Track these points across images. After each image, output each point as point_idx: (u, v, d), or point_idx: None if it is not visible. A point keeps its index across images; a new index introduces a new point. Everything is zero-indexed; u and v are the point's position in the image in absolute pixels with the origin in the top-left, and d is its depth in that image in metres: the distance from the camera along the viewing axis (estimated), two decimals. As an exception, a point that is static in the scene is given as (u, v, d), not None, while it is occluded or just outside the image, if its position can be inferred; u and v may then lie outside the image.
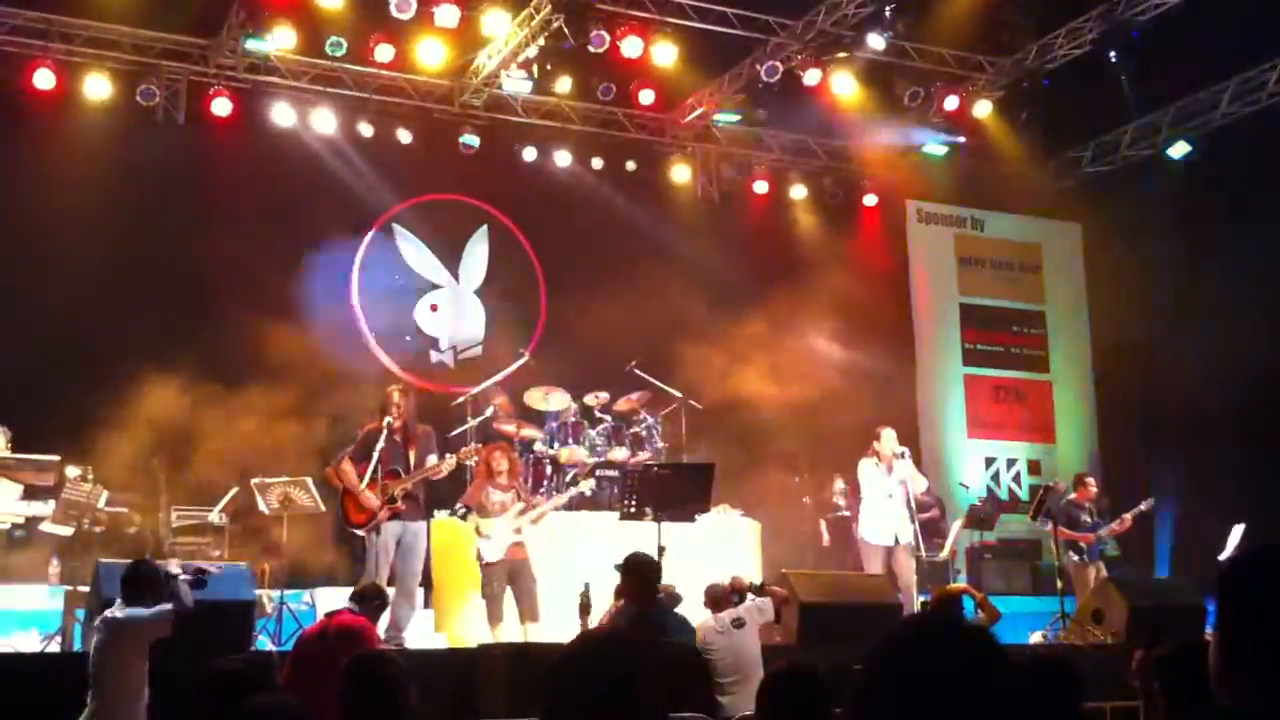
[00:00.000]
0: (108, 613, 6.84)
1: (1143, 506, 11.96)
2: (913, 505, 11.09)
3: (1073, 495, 12.40)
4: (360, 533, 9.46)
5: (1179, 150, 14.64)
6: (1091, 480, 12.48)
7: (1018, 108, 14.46)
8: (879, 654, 1.97)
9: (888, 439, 11.16)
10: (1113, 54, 12.92)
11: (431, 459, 9.60)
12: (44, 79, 12.08)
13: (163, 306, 11.90)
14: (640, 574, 7.54)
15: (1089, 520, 12.15)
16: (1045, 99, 14.25)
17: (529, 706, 2.79)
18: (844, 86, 13.59)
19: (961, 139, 15.11)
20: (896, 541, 10.94)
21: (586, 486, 10.79)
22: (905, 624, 2.07)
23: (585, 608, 8.29)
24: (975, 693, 1.88)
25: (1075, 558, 11.98)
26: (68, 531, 9.54)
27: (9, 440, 9.82)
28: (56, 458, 9.66)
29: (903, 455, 11.14)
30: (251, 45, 12.60)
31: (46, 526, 9.51)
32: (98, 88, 12.37)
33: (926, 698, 1.87)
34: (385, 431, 9.43)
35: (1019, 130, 14.62)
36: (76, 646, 8.22)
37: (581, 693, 2.55)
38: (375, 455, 9.38)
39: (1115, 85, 13.48)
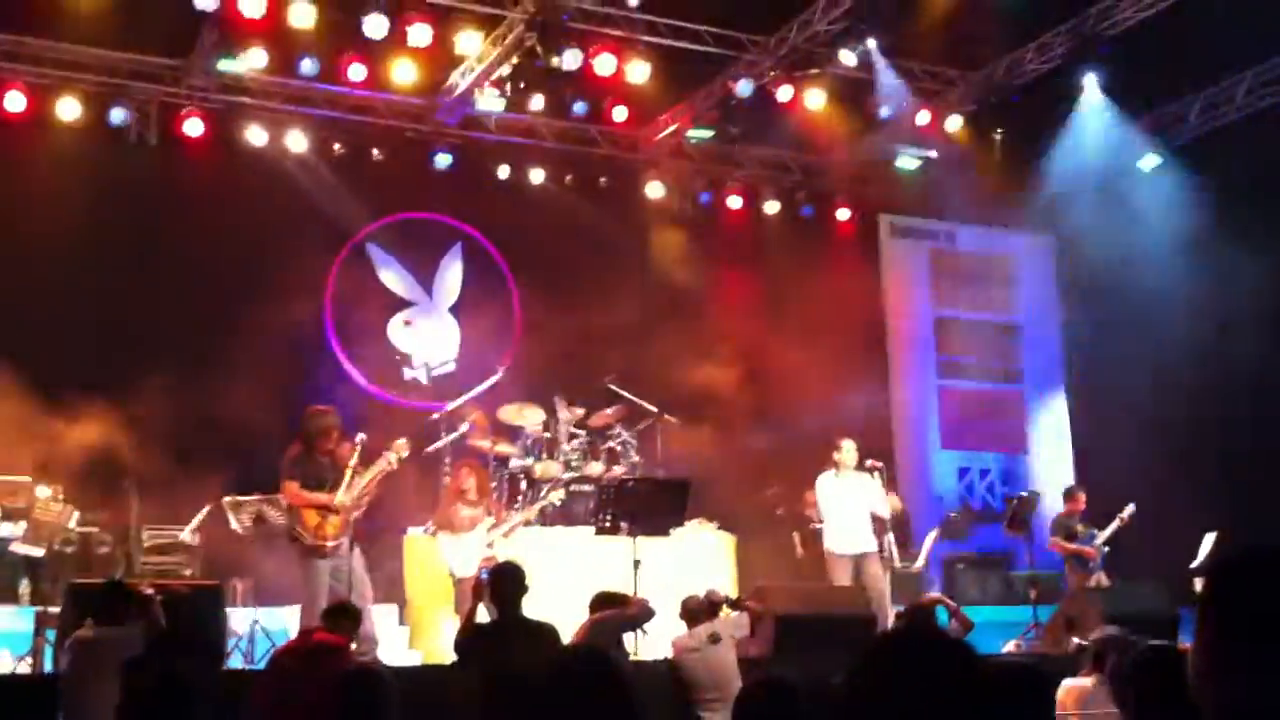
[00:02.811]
0: (79, 633, 6.81)
1: (1125, 513, 12.00)
2: (882, 515, 11.05)
3: (1064, 508, 12.41)
4: (318, 557, 9.27)
5: (1149, 163, 14.76)
6: (1081, 494, 12.44)
7: (989, 122, 14.54)
8: (858, 670, 1.98)
9: (847, 450, 11.09)
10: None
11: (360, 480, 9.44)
12: (14, 102, 12.05)
13: (134, 326, 11.86)
14: (500, 582, 7.44)
15: (1084, 531, 12.17)
16: (1017, 112, 14.33)
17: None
18: (816, 102, 13.65)
19: (933, 153, 15.18)
20: (864, 551, 10.87)
21: (555, 498, 10.80)
22: (882, 639, 2.09)
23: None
24: (953, 707, 1.89)
25: (1082, 570, 11.97)
26: (39, 552, 9.50)
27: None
28: (27, 479, 9.60)
29: (873, 474, 11.09)
30: (224, 65, 12.57)
31: (17, 547, 9.46)
32: (69, 109, 12.33)
33: (906, 713, 1.88)
34: (315, 454, 9.33)
35: (990, 144, 14.71)
36: (47, 668, 8.17)
37: (566, 711, 2.56)
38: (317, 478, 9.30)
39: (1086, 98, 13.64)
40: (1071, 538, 12.10)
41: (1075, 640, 9.44)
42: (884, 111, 14.06)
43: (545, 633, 7.14)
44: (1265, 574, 2.07)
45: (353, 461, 9.36)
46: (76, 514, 9.91)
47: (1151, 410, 13.81)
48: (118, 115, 12.56)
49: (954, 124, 14.48)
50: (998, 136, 14.68)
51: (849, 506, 10.95)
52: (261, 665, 8.32)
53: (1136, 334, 14.01)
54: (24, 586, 9.72)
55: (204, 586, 8.98)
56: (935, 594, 10.61)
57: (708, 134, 14.77)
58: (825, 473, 11.11)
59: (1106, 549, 12.03)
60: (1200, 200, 13.65)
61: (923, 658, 1.96)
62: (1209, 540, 11.60)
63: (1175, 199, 14.16)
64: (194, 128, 12.78)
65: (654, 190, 15.01)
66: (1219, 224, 13.30)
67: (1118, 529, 12.03)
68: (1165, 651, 4.33)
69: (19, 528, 9.37)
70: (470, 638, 7.50)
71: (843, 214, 15.87)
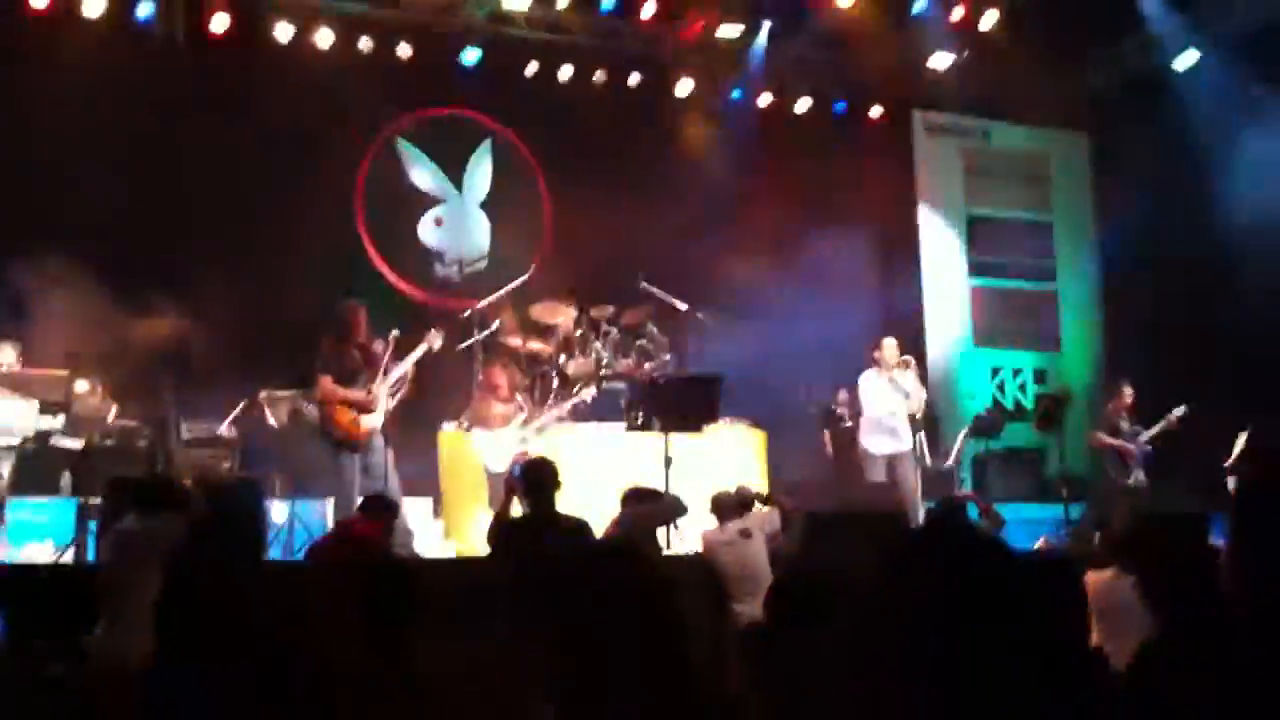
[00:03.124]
0: (120, 525, 6.91)
1: (1174, 415, 11.95)
2: (915, 408, 11.15)
3: (1110, 404, 12.40)
4: (349, 450, 9.40)
5: (1187, 60, 14.48)
6: (1128, 389, 12.37)
7: (1025, 18, 14.27)
8: (890, 565, 2.00)
9: (889, 348, 11.20)
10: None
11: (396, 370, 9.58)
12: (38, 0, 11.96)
13: (163, 225, 11.88)
14: (532, 477, 7.50)
15: (1129, 428, 12.15)
16: (1054, 8, 14.05)
17: (539, 615, 2.83)
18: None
19: (968, 50, 14.93)
20: (898, 451, 10.99)
21: (586, 394, 10.85)
22: (913, 534, 2.10)
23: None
24: (984, 599, 1.90)
25: (1118, 465, 12.00)
26: (78, 445, 9.62)
27: (19, 355, 9.85)
28: (65, 372, 9.70)
29: (907, 365, 11.18)
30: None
31: (57, 440, 9.58)
32: (93, 6, 12.21)
33: (939, 602, 1.90)
34: (347, 348, 9.44)
35: (1026, 40, 14.44)
36: (90, 559, 8.32)
37: (598, 605, 2.58)
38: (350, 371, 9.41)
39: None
40: (1114, 433, 12.09)
41: (1099, 536, 9.50)
42: (918, 6, 13.81)
43: (577, 527, 7.22)
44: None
45: (386, 356, 9.47)
46: (115, 407, 10.02)
47: (1186, 310, 13.71)
48: (144, 10, 12.44)
49: (990, 20, 14.21)
50: (1033, 33, 14.41)
51: (889, 405, 11.03)
52: (300, 556, 8.44)
53: (1172, 233, 13.86)
54: (65, 479, 9.87)
55: (243, 479, 9.10)
56: (966, 491, 10.67)
57: (738, 30, 14.55)
58: (868, 371, 11.19)
59: (1149, 449, 12.02)
60: (1243, 96, 13.39)
61: (953, 551, 1.98)
62: (1242, 439, 11.56)
63: (1216, 95, 13.90)
64: (220, 23, 12.67)
65: (683, 88, 14.83)
66: (1261, 120, 13.06)
67: (1164, 429, 12.00)
68: (1195, 548, 4.36)
69: (59, 421, 9.48)
70: (502, 531, 7.59)
71: (875, 111, 15.68)
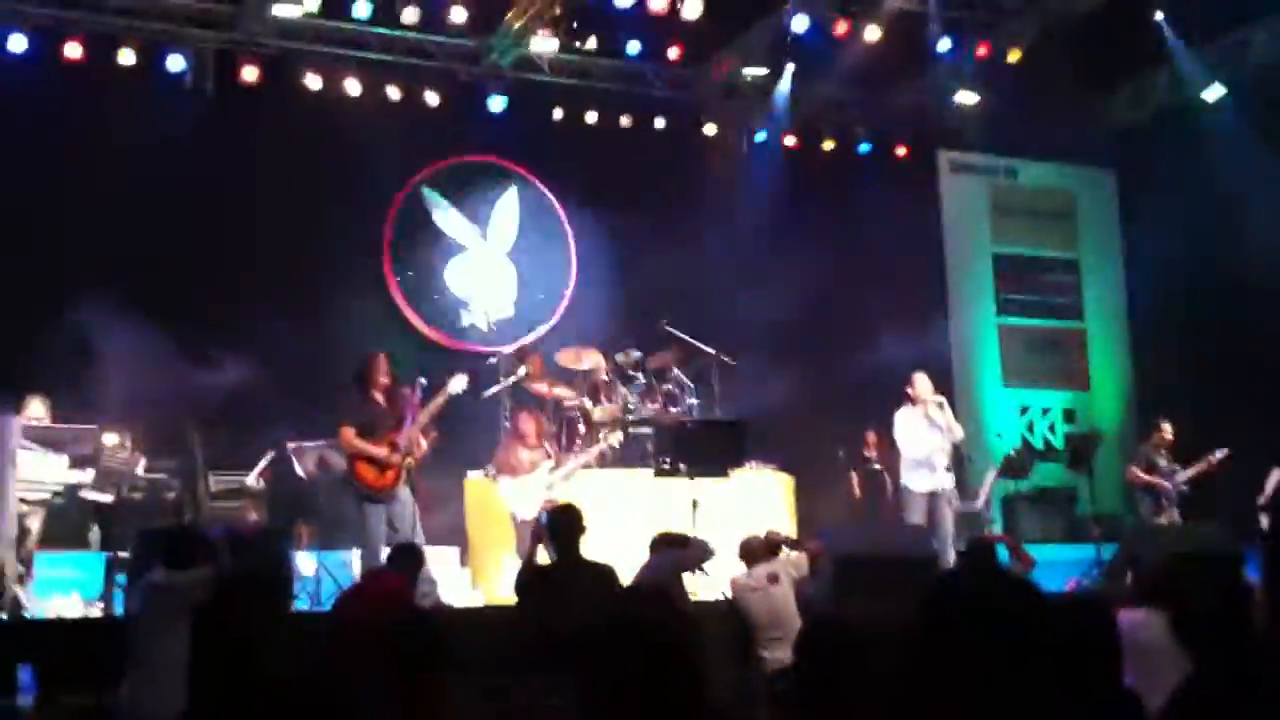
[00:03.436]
0: (148, 577, 6.91)
1: (1215, 457, 11.82)
2: (957, 439, 11.08)
3: (1150, 439, 12.31)
4: (373, 501, 9.42)
5: (1214, 94, 14.44)
6: (1167, 426, 12.26)
7: (1049, 55, 14.26)
8: (923, 610, 1.97)
9: (922, 384, 11.13)
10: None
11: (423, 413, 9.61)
12: (72, 50, 12.12)
13: (192, 275, 11.95)
14: (559, 523, 7.47)
15: (1166, 466, 12.04)
16: (1078, 45, 14.04)
17: (568, 665, 2.80)
18: (872, 36, 13.45)
19: (992, 89, 14.93)
20: (938, 489, 10.89)
21: (614, 439, 10.81)
22: (947, 578, 2.07)
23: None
24: (1018, 643, 1.88)
25: (1155, 502, 11.90)
26: (107, 498, 9.65)
27: (49, 410, 9.91)
28: (94, 426, 9.75)
29: (940, 405, 11.10)
30: (279, 10, 12.53)
31: (87, 494, 9.61)
32: (125, 57, 12.37)
33: (971, 651, 1.87)
34: (369, 398, 9.48)
35: (1050, 77, 14.44)
36: (118, 611, 8.33)
37: (621, 656, 2.56)
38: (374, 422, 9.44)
39: (1148, 29, 13.31)
40: (1151, 470, 11.98)
41: (1132, 575, 9.39)
42: (942, 46, 13.84)
43: (604, 574, 7.18)
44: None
45: (414, 404, 9.50)
46: (144, 460, 10.06)
47: (1216, 347, 13.61)
48: (175, 63, 12.59)
49: (1013, 57, 14.21)
50: (1057, 70, 14.40)
51: (927, 441, 10.95)
52: (327, 607, 8.42)
53: (1201, 269, 13.78)
54: (94, 533, 9.90)
55: (271, 530, 9.11)
56: (996, 532, 10.58)
57: (763, 71, 14.60)
58: (902, 408, 11.13)
59: (1185, 488, 11.90)
60: (1267, 131, 13.34)
61: (985, 595, 1.95)
62: (1275, 475, 11.44)
63: (1240, 131, 13.85)
64: (250, 74, 12.81)
65: (709, 130, 14.88)
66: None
67: (1202, 470, 11.87)
68: (1230, 587, 4.30)
69: (88, 475, 9.51)
70: (530, 579, 7.56)
71: (901, 151, 15.69)
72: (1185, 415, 12.42)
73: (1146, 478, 11.99)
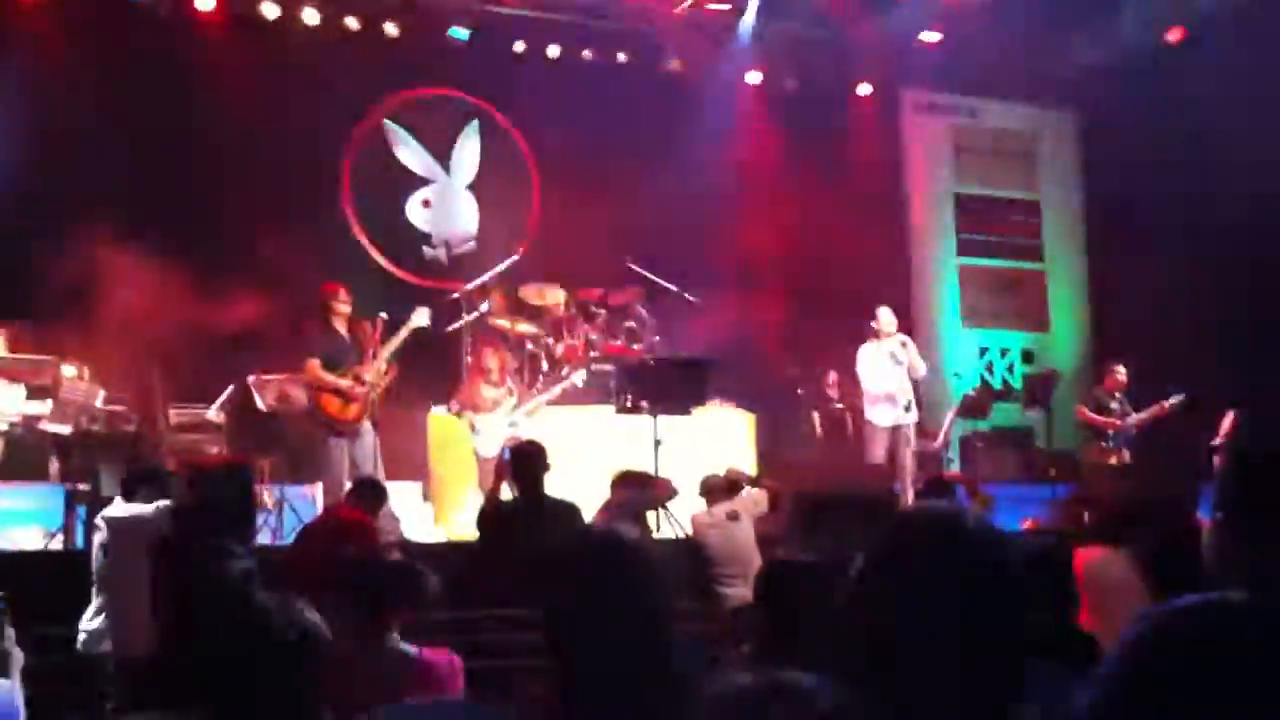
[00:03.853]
0: (107, 511, 6.91)
1: (1169, 402, 11.90)
2: (920, 376, 11.13)
3: (1102, 383, 12.41)
4: (337, 435, 9.44)
5: (1175, 34, 14.46)
6: (1121, 369, 12.35)
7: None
8: (877, 548, 1.99)
9: (885, 317, 11.16)
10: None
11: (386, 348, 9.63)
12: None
13: (147, 205, 11.76)
14: (521, 461, 7.53)
15: (1117, 408, 12.14)
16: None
17: (529, 601, 2.82)
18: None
19: (956, 27, 14.88)
20: (900, 423, 10.96)
21: (578, 378, 10.84)
22: (902, 517, 2.08)
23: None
24: (974, 582, 1.90)
25: (1101, 444, 12.02)
26: (66, 430, 9.58)
27: (7, 341, 9.81)
28: (53, 357, 9.67)
29: (904, 344, 11.15)
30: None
31: (45, 425, 9.55)
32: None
33: (925, 589, 1.89)
34: (332, 331, 9.48)
35: (1013, 17, 14.40)
36: (79, 544, 8.31)
37: (587, 591, 2.58)
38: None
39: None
40: (1100, 411, 12.08)
41: (1089, 515, 9.54)
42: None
43: (566, 511, 7.24)
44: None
45: (375, 338, 9.50)
46: (102, 392, 9.99)
47: (1172, 289, 13.72)
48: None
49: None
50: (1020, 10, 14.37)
51: (890, 375, 10.99)
52: (289, 541, 8.44)
53: (1159, 212, 13.85)
54: (53, 464, 9.85)
55: (231, 463, 9.07)
56: (954, 471, 10.69)
57: (725, 6, 14.49)
58: (865, 343, 11.15)
59: (1133, 430, 12.00)
60: (1230, 72, 13.36)
61: (941, 534, 1.97)
62: (1229, 417, 11.60)
63: (1203, 71, 13.87)
64: (206, 3, 12.59)
65: (671, 65, 14.78)
66: (1251, 99, 13.03)
67: (1155, 415, 11.97)
68: (1180, 524, 4.38)
69: (46, 406, 9.45)
70: (493, 516, 7.60)
71: (863, 89, 15.64)
72: (1145, 356, 12.53)
73: (1093, 417, 12.08)
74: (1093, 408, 12.11)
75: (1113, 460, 11.84)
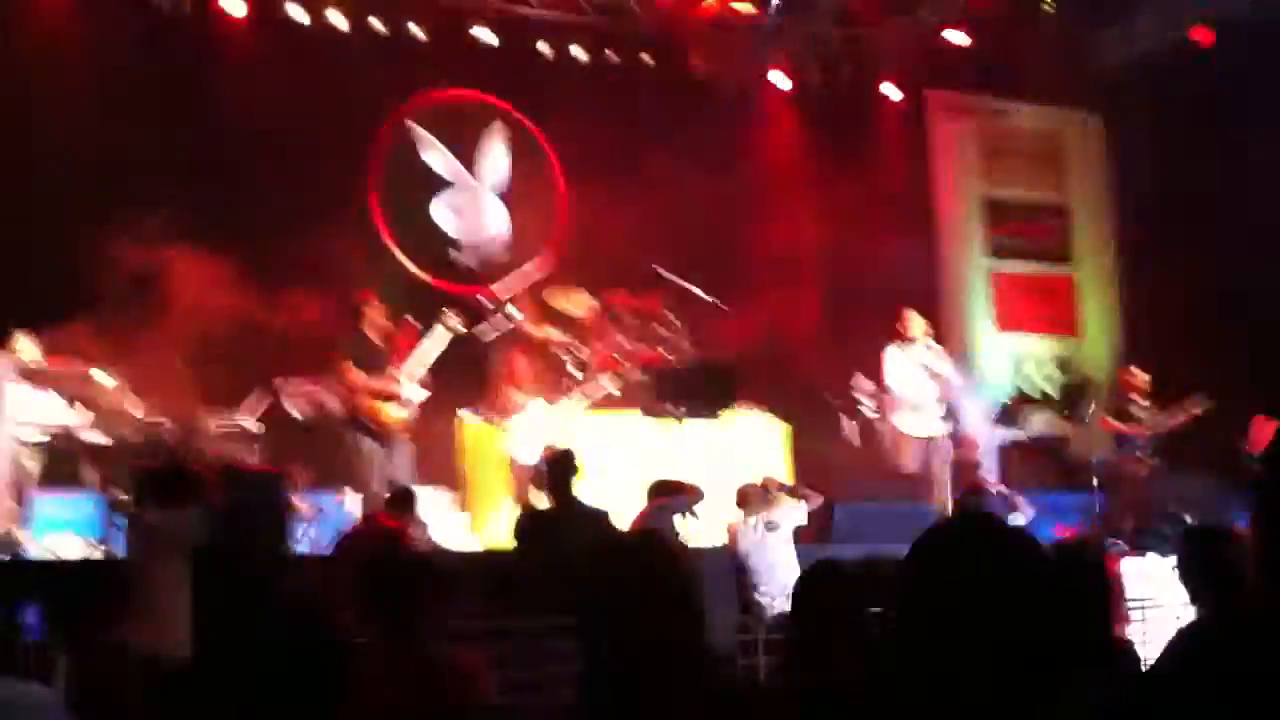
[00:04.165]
0: (143, 517, 6.97)
1: (1192, 406, 11.82)
2: (953, 381, 10.97)
3: (1130, 391, 12.29)
4: (375, 440, 9.50)
5: (1206, 38, 14.38)
6: (1136, 371, 12.28)
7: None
8: (912, 559, 2.00)
9: (913, 320, 11.06)
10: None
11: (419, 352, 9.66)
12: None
13: (176, 211, 11.78)
14: (553, 468, 7.58)
15: (1142, 413, 12.03)
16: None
17: (564, 609, 2.86)
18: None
19: (983, 28, 14.84)
20: (931, 433, 10.85)
21: (609, 384, 10.84)
22: (937, 527, 2.10)
23: None
24: (1010, 592, 1.91)
25: (1130, 451, 11.92)
26: (105, 440, 9.66)
27: (41, 349, 9.88)
28: (90, 366, 9.74)
29: (934, 350, 11.04)
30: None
31: (85, 435, 9.62)
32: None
33: (961, 600, 1.91)
34: (365, 337, 9.54)
35: (1042, 17, 14.36)
36: (118, 553, 8.38)
37: (619, 596, 2.61)
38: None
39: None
40: (1121, 417, 11.99)
41: (1131, 524, 9.52)
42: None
43: (599, 518, 7.28)
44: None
45: (404, 342, 9.57)
46: (140, 402, 10.06)
47: (1206, 293, 13.65)
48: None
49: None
50: (1049, 8, 14.33)
51: (919, 382, 10.86)
52: (326, 549, 8.50)
53: (1190, 213, 13.78)
54: (91, 473, 9.92)
55: (268, 471, 9.15)
56: (990, 480, 10.64)
57: (749, 8, 14.48)
58: (890, 346, 11.03)
59: (1162, 433, 11.89)
60: (1262, 77, 13.29)
61: (978, 544, 1.98)
62: (1268, 425, 11.50)
63: (1229, 71, 13.81)
64: (234, 5, 12.65)
65: (696, 67, 14.76)
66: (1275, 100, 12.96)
67: (1179, 420, 11.86)
68: (1219, 533, 4.39)
69: (86, 416, 9.54)
70: (527, 523, 7.64)
71: (889, 90, 15.60)
72: (1176, 360, 12.46)
73: (1114, 424, 11.97)
74: (1113, 414, 12.03)
75: (1142, 468, 11.73)
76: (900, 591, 2.02)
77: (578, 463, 7.50)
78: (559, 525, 7.33)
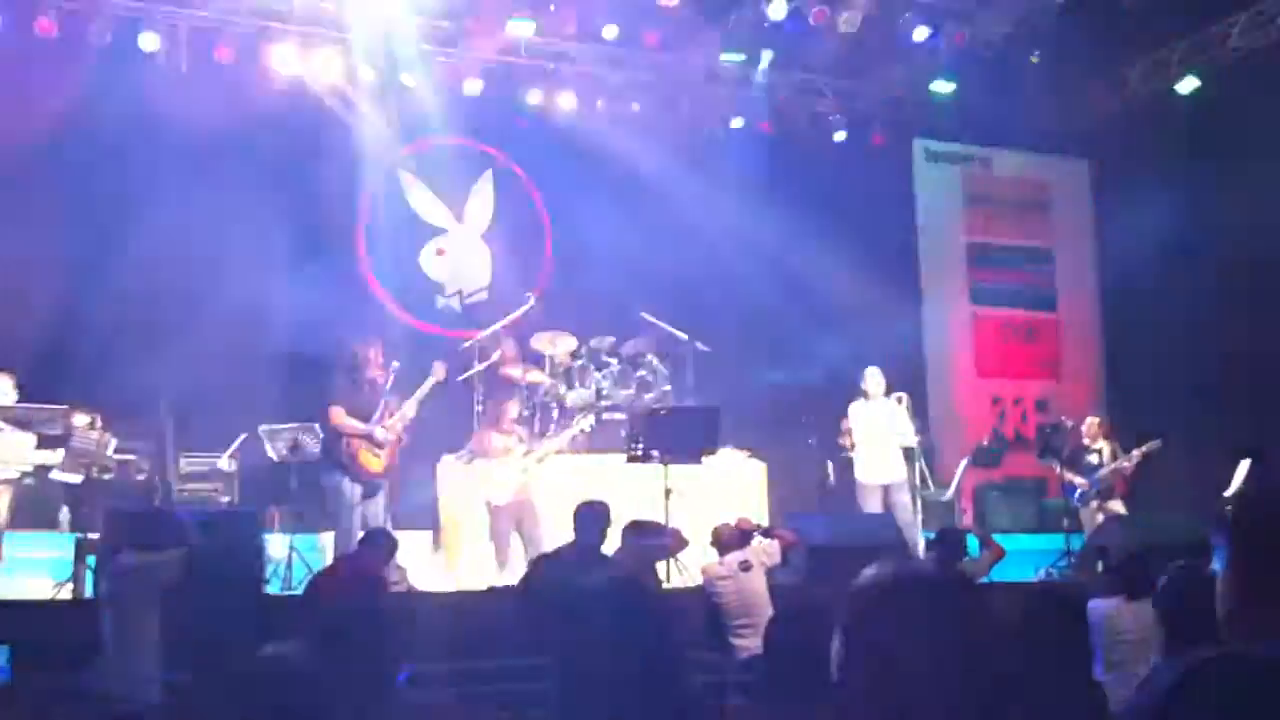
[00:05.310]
0: (118, 559, 6.89)
1: (1147, 448, 11.95)
2: (907, 444, 11.21)
3: (1084, 437, 12.42)
4: (355, 484, 9.44)
5: (1188, 86, 14.50)
6: (1097, 420, 12.47)
7: (1026, 44, 14.29)
8: (853, 609, 1.96)
9: (871, 377, 11.33)
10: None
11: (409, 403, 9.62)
12: (46, 26, 11.99)
13: (166, 251, 11.81)
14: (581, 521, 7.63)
15: (1095, 461, 12.15)
16: (1054, 35, 14.06)
17: (537, 648, 2.81)
18: (849, 24, 13.42)
19: (968, 77, 14.93)
20: (892, 481, 11.06)
21: (586, 424, 10.84)
22: (870, 581, 2.05)
23: None
24: (948, 641, 1.87)
25: (1074, 498, 12.04)
26: (77, 479, 9.59)
27: (16, 388, 9.83)
28: (64, 406, 9.69)
29: (900, 400, 11.28)
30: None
31: (56, 475, 9.55)
32: (98, 35, 12.24)
33: (899, 649, 1.87)
34: (358, 384, 9.49)
35: (1027, 67, 14.46)
36: (88, 593, 8.29)
37: (601, 635, 2.57)
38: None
39: (1125, 20, 13.35)
40: (1076, 464, 12.11)
41: (1103, 565, 9.47)
42: (918, 34, 13.84)
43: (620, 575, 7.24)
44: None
45: (388, 388, 9.50)
46: (114, 441, 10.00)
47: (1186, 339, 13.68)
48: (148, 41, 12.46)
49: (992, 46, 14.20)
50: (1034, 59, 14.43)
51: (878, 435, 11.12)
52: (299, 591, 8.41)
53: (1173, 260, 13.82)
54: (63, 513, 9.85)
55: (241, 512, 9.08)
56: (966, 522, 10.63)
57: (740, 57, 14.58)
58: (856, 401, 11.28)
59: (1098, 485, 11.99)
60: (1242, 124, 13.38)
61: (916, 596, 1.94)
62: (1243, 467, 11.52)
63: (1215, 123, 13.90)
64: (225, 54, 12.69)
65: (684, 114, 14.84)
66: (1262, 149, 13.03)
67: (1126, 464, 11.98)
68: (1194, 574, 4.36)
69: (57, 455, 9.46)
70: (542, 569, 7.60)
71: (876, 139, 15.66)
72: (1156, 407, 12.50)
73: (1068, 474, 12.10)
74: (1066, 461, 12.13)
75: (1099, 512, 11.83)
76: (868, 634, 1.98)
77: (611, 515, 7.59)
78: (573, 572, 7.26)
